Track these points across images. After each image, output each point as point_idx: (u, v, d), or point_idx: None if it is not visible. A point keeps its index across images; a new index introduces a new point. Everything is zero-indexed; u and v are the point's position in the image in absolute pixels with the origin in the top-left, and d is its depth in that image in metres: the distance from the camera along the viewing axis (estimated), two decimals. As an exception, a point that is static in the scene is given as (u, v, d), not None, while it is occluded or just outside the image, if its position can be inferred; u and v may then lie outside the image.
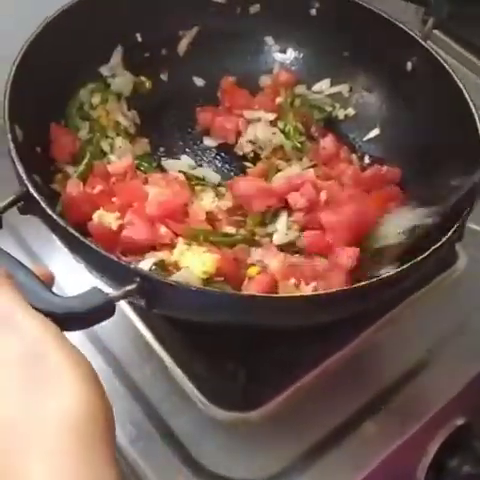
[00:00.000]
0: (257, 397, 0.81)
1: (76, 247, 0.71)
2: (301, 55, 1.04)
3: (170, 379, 0.83)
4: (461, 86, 0.88)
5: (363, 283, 0.69)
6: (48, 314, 0.58)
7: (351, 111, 1.02)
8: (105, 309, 0.62)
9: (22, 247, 0.93)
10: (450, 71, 0.90)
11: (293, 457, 0.78)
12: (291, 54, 1.05)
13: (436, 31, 1.06)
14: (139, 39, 0.99)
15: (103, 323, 0.85)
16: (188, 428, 0.80)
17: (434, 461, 0.84)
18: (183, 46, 1.03)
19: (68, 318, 0.59)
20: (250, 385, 0.80)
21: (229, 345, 0.81)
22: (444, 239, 0.74)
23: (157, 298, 0.67)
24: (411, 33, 0.94)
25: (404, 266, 0.71)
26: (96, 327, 0.84)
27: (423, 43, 0.94)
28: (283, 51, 1.05)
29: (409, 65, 0.95)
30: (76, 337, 0.84)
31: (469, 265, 0.96)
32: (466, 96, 0.87)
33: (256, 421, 0.80)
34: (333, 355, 0.85)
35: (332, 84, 1.03)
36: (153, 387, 0.82)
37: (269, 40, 1.04)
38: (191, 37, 1.03)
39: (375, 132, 1.00)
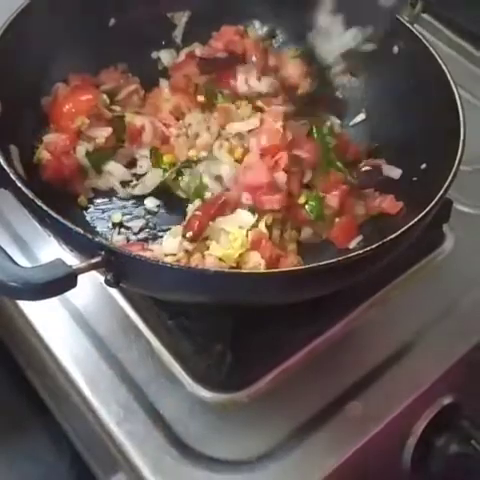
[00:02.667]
0: (244, 378, 0.81)
1: (44, 219, 0.72)
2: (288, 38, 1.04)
3: (157, 361, 0.83)
4: (445, 69, 0.88)
5: (343, 257, 0.70)
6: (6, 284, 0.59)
7: (338, 96, 1.02)
8: (66, 281, 0.63)
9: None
10: (435, 55, 0.90)
11: (280, 437, 0.79)
12: (279, 38, 1.05)
13: (425, 15, 1.06)
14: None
15: (90, 305, 0.87)
16: (175, 409, 0.80)
17: (421, 441, 0.84)
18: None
19: (27, 288, 0.60)
20: (237, 366, 0.80)
21: (216, 326, 0.81)
22: (422, 214, 0.74)
23: (124, 272, 0.68)
24: (398, 16, 0.94)
25: (382, 241, 0.72)
26: (83, 309, 0.86)
27: (409, 27, 0.94)
28: (271, 35, 1.05)
29: (395, 49, 0.95)
30: (62, 319, 0.86)
31: (456, 246, 0.96)
32: (450, 80, 0.87)
33: (243, 402, 0.81)
34: (320, 336, 0.85)
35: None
36: (140, 369, 0.82)
37: (256, 23, 1.04)
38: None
39: (361, 117, 1.00)
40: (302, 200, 0.88)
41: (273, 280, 0.70)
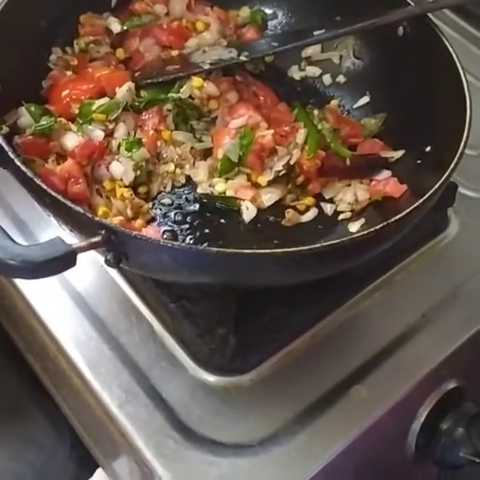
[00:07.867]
0: (247, 361, 0.81)
1: (43, 199, 0.71)
2: (292, 20, 1.03)
3: (159, 344, 0.82)
4: (451, 51, 0.87)
5: (347, 238, 0.69)
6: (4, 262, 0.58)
7: (342, 78, 1.01)
8: (66, 259, 0.62)
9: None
10: (441, 36, 0.89)
11: (283, 421, 0.78)
12: (282, 19, 1.04)
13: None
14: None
15: (91, 288, 0.86)
16: (178, 393, 0.79)
17: (425, 424, 0.84)
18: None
19: (26, 266, 0.59)
20: (240, 349, 0.79)
21: (219, 310, 0.80)
22: (426, 196, 0.73)
23: (124, 252, 0.67)
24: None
25: (386, 222, 0.71)
26: (83, 292, 0.86)
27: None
28: (274, 16, 1.04)
29: (400, 30, 0.94)
30: (63, 301, 0.85)
31: (461, 230, 0.95)
32: (456, 62, 0.86)
33: (246, 385, 0.80)
34: (323, 319, 0.85)
35: (323, 50, 1.02)
36: (142, 352, 0.81)
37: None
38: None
39: (365, 99, 0.99)
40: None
41: (275, 260, 0.69)
